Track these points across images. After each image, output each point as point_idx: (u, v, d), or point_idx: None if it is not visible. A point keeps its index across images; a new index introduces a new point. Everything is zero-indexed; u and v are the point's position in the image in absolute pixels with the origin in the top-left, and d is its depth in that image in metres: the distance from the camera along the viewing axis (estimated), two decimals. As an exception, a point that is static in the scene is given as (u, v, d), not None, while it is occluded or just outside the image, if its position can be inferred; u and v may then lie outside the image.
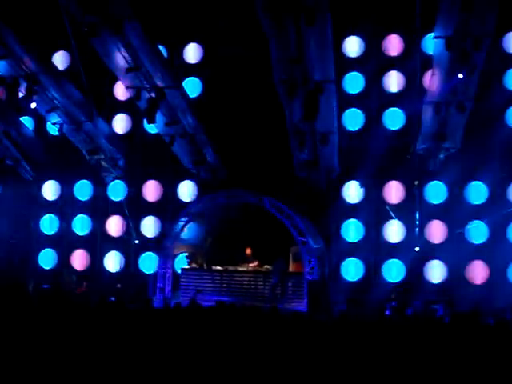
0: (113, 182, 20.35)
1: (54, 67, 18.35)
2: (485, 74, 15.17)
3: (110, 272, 20.02)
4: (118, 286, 19.29)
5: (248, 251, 19.00)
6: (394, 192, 18.57)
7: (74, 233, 20.47)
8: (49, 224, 20.63)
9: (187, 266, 18.90)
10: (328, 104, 15.73)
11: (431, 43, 15.31)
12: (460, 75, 14.64)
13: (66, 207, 20.70)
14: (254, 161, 18.48)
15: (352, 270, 18.53)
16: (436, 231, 18.15)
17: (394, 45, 18.80)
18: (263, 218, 17.92)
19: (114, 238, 20.28)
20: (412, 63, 18.20)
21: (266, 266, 18.65)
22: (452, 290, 17.37)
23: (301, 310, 16.23)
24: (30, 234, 20.69)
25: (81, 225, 20.47)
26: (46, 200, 20.80)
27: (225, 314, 12.03)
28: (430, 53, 15.92)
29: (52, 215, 20.67)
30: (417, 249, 18.02)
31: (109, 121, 19.99)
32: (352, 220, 18.72)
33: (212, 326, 10.42)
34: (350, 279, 18.46)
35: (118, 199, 20.30)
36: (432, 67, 15.57)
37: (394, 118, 18.70)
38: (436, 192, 18.27)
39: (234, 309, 13.09)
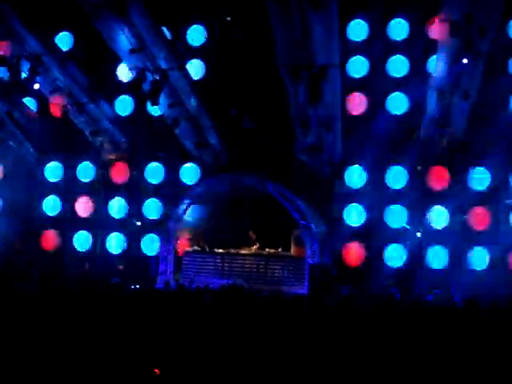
0: (115, 164, 20.36)
1: (58, 48, 18.30)
2: (490, 60, 15.08)
3: (112, 253, 20.09)
4: (120, 267, 19.38)
5: (252, 235, 19.05)
6: (396, 177, 18.56)
7: (76, 214, 20.51)
8: (52, 205, 20.68)
9: (189, 249, 18.95)
10: (332, 88, 15.68)
11: (437, 28, 15.23)
12: (465, 60, 14.58)
13: (68, 189, 20.73)
14: (256, 144, 18.45)
15: (354, 254, 18.57)
16: (438, 217, 18.15)
17: (398, 29, 18.67)
18: (265, 202, 17.91)
19: (116, 219, 20.33)
20: (417, 48, 18.19)
21: (267, 249, 18.71)
22: (453, 276, 17.38)
23: (302, 294, 16.32)
24: (33, 216, 20.74)
25: (83, 206, 20.51)
26: (48, 181, 20.83)
27: (229, 296, 12.11)
28: (435, 38, 15.84)
29: (55, 196, 20.71)
30: (419, 234, 18.04)
31: (112, 102, 19.95)
32: (354, 204, 18.73)
33: (214, 308, 10.50)
34: (352, 264, 18.50)
35: (120, 181, 20.33)
36: (437, 52, 15.50)
37: (398, 103, 18.63)
38: (438, 177, 18.24)
39: (237, 291, 13.18)
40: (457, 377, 7.49)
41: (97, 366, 7.53)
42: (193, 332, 8.74)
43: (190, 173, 19.98)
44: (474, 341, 8.38)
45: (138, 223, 19.99)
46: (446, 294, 15.66)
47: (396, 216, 18.43)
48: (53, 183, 20.83)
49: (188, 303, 11.18)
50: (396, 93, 18.64)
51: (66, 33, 20.05)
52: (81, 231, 20.39)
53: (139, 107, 20.05)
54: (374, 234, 18.52)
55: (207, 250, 18.97)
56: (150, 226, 19.89)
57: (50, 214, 20.66)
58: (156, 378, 7.40)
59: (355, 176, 18.79)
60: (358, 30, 18.84)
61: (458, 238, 17.92)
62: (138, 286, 16.03)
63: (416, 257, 18.03)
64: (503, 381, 7.49)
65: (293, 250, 18.74)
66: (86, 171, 20.59)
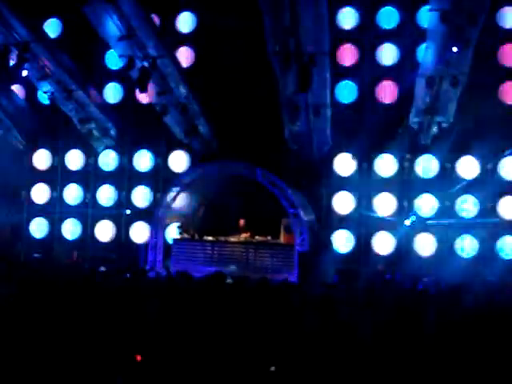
0: (104, 152, 20.31)
1: (46, 35, 18.17)
2: (479, 48, 15.11)
3: (101, 241, 20.06)
4: (109, 255, 19.36)
5: (241, 222, 19.06)
6: (385, 165, 18.62)
7: (65, 202, 20.47)
8: (40, 193, 20.61)
9: (179, 236, 18.95)
10: (321, 76, 15.67)
11: (426, 16, 15.24)
12: (454, 49, 14.58)
13: (57, 176, 20.67)
14: (246, 132, 18.41)
15: (343, 242, 18.66)
16: (426, 205, 18.24)
17: (388, 17, 18.67)
18: (255, 190, 17.90)
19: (105, 207, 20.31)
20: (406, 36, 18.21)
21: (257, 237, 18.73)
22: (441, 263, 17.48)
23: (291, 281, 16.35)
24: (21, 204, 20.68)
25: (72, 194, 20.46)
26: (37, 169, 20.75)
27: (217, 284, 12.12)
28: (425, 26, 15.85)
29: (43, 184, 20.64)
30: (407, 222, 18.12)
31: (100, 90, 19.87)
32: (343, 192, 18.79)
33: (204, 296, 10.50)
34: (341, 251, 18.59)
35: (109, 169, 20.30)
36: (426, 40, 15.51)
37: (387, 91, 18.65)
38: (428, 166, 18.32)
39: (224, 279, 13.19)
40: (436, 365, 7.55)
41: (85, 354, 7.54)
42: (176, 319, 8.76)
43: (179, 160, 19.96)
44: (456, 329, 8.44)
45: (128, 211, 19.97)
46: (434, 281, 15.74)
47: (384, 204, 18.51)
48: (41, 171, 20.75)
49: (171, 290, 11.20)
50: (385, 81, 18.66)
51: (55, 20, 19.98)
52: (69, 219, 20.36)
53: (128, 94, 20.00)
54: (363, 222, 18.60)
55: (196, 237, 18.97)
56: (139, 214, 19.89)
57: (39, 202, 20.60)
58: (139, 364, 7.42)
59: (344, 164, 18.84)
60: (347, 17, 18.83)
61: (446, 226, 18.03)
62: (128, 275, 16.00)
63: (404, 244, 18.13)
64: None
65: (282, 238, 18.75)
66: (74, 159, 20.52)
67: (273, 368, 7.37)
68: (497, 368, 7.26)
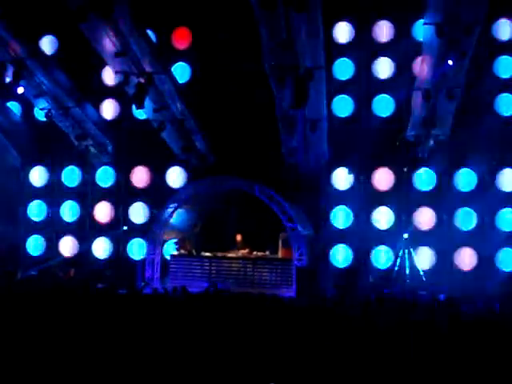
0: (101, 168, 20.27)
1: (42, 52, 18.20)
2: (475, 61, 15.15)
3: (98, 258, 19.98)
4: (107, 272, 19.25)
5: (238, 238, 19.01)
6: (383, 179, 18.59)
7: (62, 219, 20.39)
8: (37, 210, 20.55)
9: (176, 253, 18.87)
10: (318, 90, 15.69)
11: (421, 30, 15.28)
12: (450, 62, 14.62)
13: (54, 193, 20.61)
14: (243, 147, 18.41)
15: (341, 256, 18.58)
16: (425, 218, 18.19)
17: (384, 31, 18.71)
18: (252, 205, 17.87)
19: (102, 224, 20.23)
20: (402, 50, 18.25)
21: (255, 253, 18.66)
22: (440, 276, 17.41)
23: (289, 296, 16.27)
24: (17, 221, 20.59)
25: (69, 211, 20.39)
26: (33, 186, 20.70)
27: (215, 300, 12.06)
28: (420, 39, 15.89)
29: (40, 201, 20.58)
30: (405, 236, 18.05)
31: (97, 106, 19.87)
32: (341, 206, 18.74)
33: (202, 312, 10.44)
34: (339, 266, 18.51)
35: (106, 185, 20.25)
36: (422, 54, 15.54)
37: (383, 105, 18.67)
38: (425, 179, 18.29)
39: (223, 295, 13.14)
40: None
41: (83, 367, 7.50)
42: (178, 337, 8.72)
43: (176, 176, 19.91)
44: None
45: (125, 228, 19.90)
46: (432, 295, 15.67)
47: (383, 218, 18.46)
48: (37, 188, 20.69)
49: (175, 308, 11.15)
50: (382, 94, 18.68)
51: (51, 36, 19.96)
52: (66, 236, 20.27)
53: (125, 111, 19.99)
54: (361, 236, 18.54)
55: (194, 253, 18.89)
56: (137, 231, 19.82)
57: (35, 219, 20.53)
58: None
59: (342, 178, 18.81)
60: (343, 32, 18.86)
61: (445, 238, 17.97)
62: (124, 291, 15.91)
63: (402, 258, 18.04)
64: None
65: (280, 253, 18.69)
66: (71, 175, 20.48)
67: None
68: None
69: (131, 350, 8.12)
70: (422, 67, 15.70)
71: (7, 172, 20.29)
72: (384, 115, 18.66)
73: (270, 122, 17.06)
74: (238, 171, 18.05)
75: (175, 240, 19.11)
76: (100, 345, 8.28)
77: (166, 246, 19.30)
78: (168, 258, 18.84)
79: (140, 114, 18.84)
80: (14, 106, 20.07)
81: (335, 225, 18.74)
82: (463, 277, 17.34)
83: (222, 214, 19.22)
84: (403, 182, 18.44)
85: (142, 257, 19.10)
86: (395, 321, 9.50)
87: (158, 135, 18.35)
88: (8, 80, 16.88)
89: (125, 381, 7.42)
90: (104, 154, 19.96)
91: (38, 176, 20.70)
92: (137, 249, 19.73)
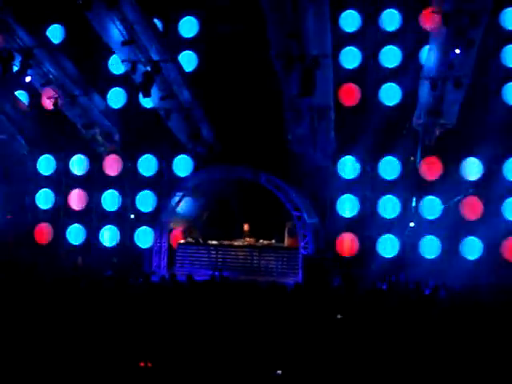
0: (108, 157, 20.32)
1: (49, 41, 18.21)
2: (482, 50, 15.10)
3: (105, 246, 20.06)
4: (114, 260, 19.34)
5: (245, 227, 19.08)
6: (389, 167, 18.59)
7: (69, 207, 20.47)
8: (44, 199, 20.63)
9: (183, 241, 18.95)
10: (325, 79, 15.67)
11: (429, 18, 15.24)
12: (457, 50, 14.58)
13: (61, 181, 20.68)
14: (249, 136, 18.42)
15: (347, 245, 18.60)
16: (431, 207, 18.19)
17: (391, 19, 18.65)
18: (259, 193, 17.92)
19: (109, 212, 20.30)
20: (409, 38, 18.19)
21: (261, 241, 18.73)
22: (446, 265, 17.41)
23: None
24: (25, 209, 20.69)
25: (76, 199, 20.46)
26: (41, 174, 20.77)
27: (221, 288, 12.12)
28: (428, 28, 15.85)
29: (47, 190, 20.66)
30: (411, 224, 18.06)
31: (104, 95, 19.89)
32: (347, 195, 18.75)
33: (208, 300, 10.51)
34: (345, 254, 18.54)
35: (113, 174, 20.30)
36: (429, 42, 15.51)
37: (390, 94, 18.63)
38: (431, 168, 18.26)
39: (229, 283, 13.21)
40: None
41: (90, 358, 7.56)
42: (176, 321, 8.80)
43: (182, 165, 19.95)
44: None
45: (132, 216, 19.96)
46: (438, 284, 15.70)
47: (389, 206, 18.47)
48: (45, 176, 20.77)
49: (182, 296, 11.22)
50: (389, 83, 18.64)
51: (58, 25, 19.98)
52: (74, 224, 20.36)
53: (131, 99, 20.01)
54: (367, 225, 18.55)
55: (201, 242, 18.98)
56: (144, 219, 19.88)
57: (43, 207, 20.62)
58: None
59: (348, 166, 18.81)
60: (350, 20, 18.82)
61: (451, 227, 17.96)
62: (131, 279, 16.00)
63: (409, 247, 18.07)
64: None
65: (286, 241, 18.76)
66: (78, 164, 20.53)
67: (279, 372, 7.36)
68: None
69: (138, 338, 8.19)
70: (428, 56, 15.66)
71: (15, 160, 20.35)
72: (391, 104, 18.63)
73: (277, 110, 17.07)
74: (244, 160, 18.07)
75: (182, 228, 19.16)
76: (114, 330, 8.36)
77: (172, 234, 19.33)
78: (175, 246, 18.90)
79: (147, 102, 18.85)
80: (21, 95, 20.11)
81: (341, 213, 18.76)
82: (469, 266, 17.32)
83: (229, 202, 19.26)
84: (410, 170, 18.42)
85: (148, 245, 19.19)
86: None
87: (165, 124, 18.38)
88: (15, 69, 16.90)
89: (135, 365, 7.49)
90: (111, 142, 19.98)
91: (45, 164, 20.76)
92: (144, 237, 19.79)
